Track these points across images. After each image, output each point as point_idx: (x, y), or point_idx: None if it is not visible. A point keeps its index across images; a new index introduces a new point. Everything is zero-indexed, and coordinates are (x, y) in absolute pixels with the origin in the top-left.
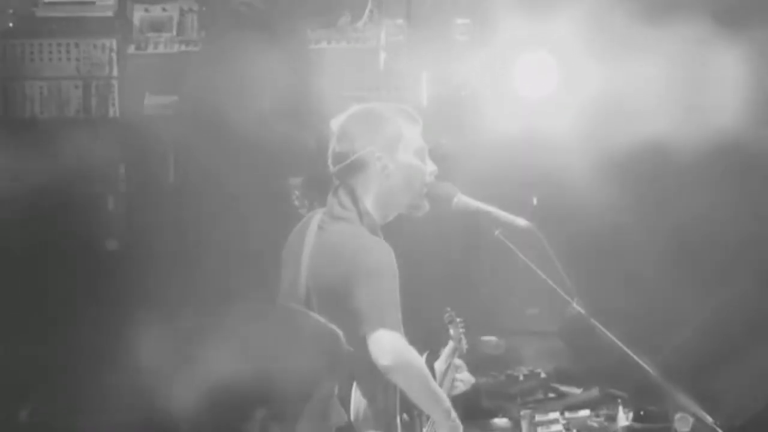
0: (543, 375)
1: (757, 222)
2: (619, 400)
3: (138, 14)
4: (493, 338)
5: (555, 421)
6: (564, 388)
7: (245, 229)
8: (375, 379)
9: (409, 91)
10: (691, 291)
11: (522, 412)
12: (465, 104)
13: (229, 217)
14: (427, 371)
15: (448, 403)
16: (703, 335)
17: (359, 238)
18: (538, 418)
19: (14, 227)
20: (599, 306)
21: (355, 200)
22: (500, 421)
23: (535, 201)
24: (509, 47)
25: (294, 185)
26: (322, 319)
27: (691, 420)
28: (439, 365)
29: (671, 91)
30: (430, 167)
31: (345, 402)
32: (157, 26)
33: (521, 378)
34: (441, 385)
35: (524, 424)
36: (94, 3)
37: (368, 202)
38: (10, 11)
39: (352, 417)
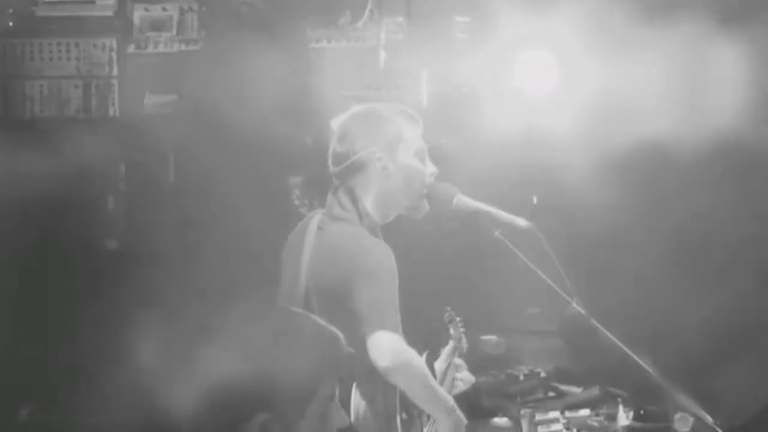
0: (543, 374)
1: (757, 222)
2: (620, 400)
3: (138, 13)
4: (493, 337)
5: (555, 421)
6: (564, 388)
7: (245, 229)
8: (374, 380)
9: (409, 90)
10: (691, 290)
11: (522, 412)
12: (465, 103)
13: (229, 217)
14: (426, 371)
15: (450, 402)
16: (703, 335)
17: (359, 238)
18: (538, 417)
19: (14, 226)
20: (599, 306)
21: (355, 201)
22: (500, 421)
23: (535, 200)
24: (510, 45)
25: (294, 184)
26: (322, 322)
27: (691, 420)
28: (439, 365)
29: (672, 89)
30: (430, 168)
31: (346, 404)
32: (157, 25)
33: (521, 377)
34: (441, 384)
35: (524, 424)
36: (94, 2)
37: (368, 203)
38: (10, 10)
39: (352, 418)
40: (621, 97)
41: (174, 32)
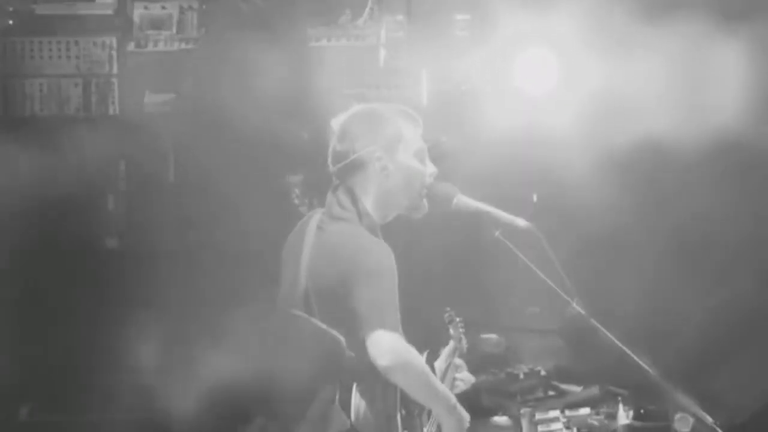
0: (543, 373)
1: (757, 222)
2: (620, 398)
3: (138, 12)
4: (493, 336)
5: (555, 419)
6: (564, 386)
7: (245, 228)
8: (374, 380)
9: (409, 88)
10: (691, 290)
11: (522, 410)
12: (465, 101)
13: (229, 215)
14: (427, 369)
15: (451, 399)
16: (702, 335)
17: (358, 238)
18: (539, 416)
19: (14, 225)
20: (599, 306)
21: (355, 200)
22: (500, 419)
23: (535, 198)
24: (510, 43)
25: (293, 183)
26: (323, 325)
27: (691, 420)
28: (439, 364)
29: (672, 88)
30: (430, 169)
31: (346, 406)
32: (157, 24)
33: (521, 376)
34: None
35: (524, 423)
36: (93, 0)
37: (367, 203)
38: (10, 9)
39: (352, 418)
40: (621, 95)
41: (174, 31)
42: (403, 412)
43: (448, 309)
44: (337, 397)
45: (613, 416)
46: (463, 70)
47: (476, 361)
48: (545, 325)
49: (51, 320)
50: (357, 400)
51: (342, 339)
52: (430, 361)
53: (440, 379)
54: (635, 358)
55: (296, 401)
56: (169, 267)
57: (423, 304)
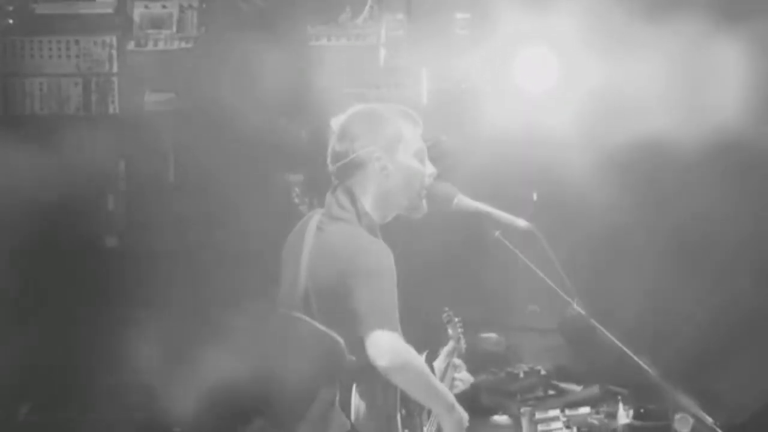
0: (543, 372)
1: (757, 222)
2: (620, 398)
3: (138, 11)
4: (493, 335)
5: (555, 419)
6: (564, 386)
7: (245, 227)
8: (374, 380)
9: (409, 87)
10: (691, 290)
11: (522, 410)
12: (465, 100)
13: (229, 215)
14: (426, 369)
15: (450, 398)
16: (702, 334)
17: (357, 238)
18: (538, 415)
19: (14, 224)
20: (599, 306)
21: (354, 200)
22: (500, 418)
23: (535, 197)
24: (510, 42)
25: (293, 182)
26: (323, 328)
27: (691, 421)
28: (438, 364)
29: (672, 87)
30: (430, 169)
31: (346, 407)
32: (157, 23)
33: (521, 375)
34: None
35: (524, 422)
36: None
37: (367, 203)
38: (10, 8)
39: (352, 418)
40: (621, 95)
41: (174, 29)
42: (403, 411)
43: (447, 309)
44: (337, 398)
45: (613, 415)
46: (463, 68)
47: (476, 361)
48: (545, 324)
49: (51, 320)
50: (357, 401)
51: (342, 341)
52: (430, 361)
53: (439, 379)
54: (635, 358)
55: (296, 402)
56: (169, 267)
57: (422, 304)
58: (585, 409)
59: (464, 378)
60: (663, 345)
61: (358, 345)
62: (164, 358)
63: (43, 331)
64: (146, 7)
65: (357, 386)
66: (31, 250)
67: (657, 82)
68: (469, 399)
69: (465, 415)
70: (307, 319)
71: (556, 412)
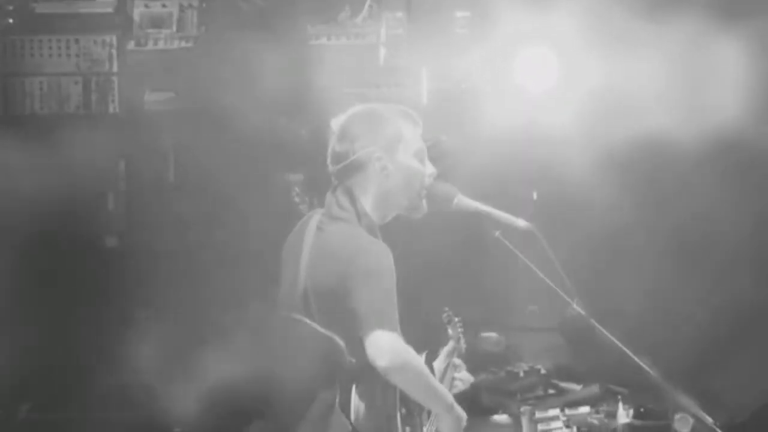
0: (543, 371)
1: (757, 222)
2: (620, 397)
3: (138, 10)
4: (493, 335)
5: (555, 418)
6: (564, 385)
7: (245, 227)
8: (373, 380)
9: (409, 87)
10: (691, 290)
11: (522, 409)
12: (465, 99)
13: (229, 215)
14: (425, 369)
15: (449, 398)
16: (702, 334)
17: (357, 238)
18: (538, 414)
19: (14, 224)
20: (599, 306)
21: (354, 200)
22: (500, 418)
23: (535, 196)
24: (510, 41)
25: (293, 181)
26: (323, 330)
27: (691, 421)
28: (438, 364)
29: (672, 87)
30: (430, 169)
31: (346, 408)
32: (157, 22)
33: (521, 374)
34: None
35: (524, 421)
36: None
37: (366, 203)
38: (10, 8)
39: (352, 418)
40: (621, 94)
41: (174, 29)
42: (403, 410)
43: (447, 309)
44: (337, 399)
45: (612, 415)
46: (464, 68)
47: (476, 360)
48: (545, 323)
49: (51, 320)
50: (357, 402)
51: (342, 343)
52: (429, 361)
53: (439, 379)
54: (635, 358)
55: (296, 403)
56: (169, 267)
57: (422, 304)
58: (585, 409)
59: (464, 378)
60: (663, 345)
61: (357, 345)
62: (164, 358)
63: (43, 331)
64: (146, 6)
65: (357, 387)
66: (31, 250)
67: (657, 82)
68: (469, 398)
69: (463, 415)
70: (307, 321)
71: (556, 412)
